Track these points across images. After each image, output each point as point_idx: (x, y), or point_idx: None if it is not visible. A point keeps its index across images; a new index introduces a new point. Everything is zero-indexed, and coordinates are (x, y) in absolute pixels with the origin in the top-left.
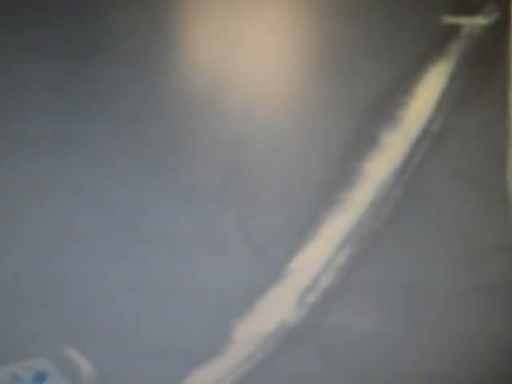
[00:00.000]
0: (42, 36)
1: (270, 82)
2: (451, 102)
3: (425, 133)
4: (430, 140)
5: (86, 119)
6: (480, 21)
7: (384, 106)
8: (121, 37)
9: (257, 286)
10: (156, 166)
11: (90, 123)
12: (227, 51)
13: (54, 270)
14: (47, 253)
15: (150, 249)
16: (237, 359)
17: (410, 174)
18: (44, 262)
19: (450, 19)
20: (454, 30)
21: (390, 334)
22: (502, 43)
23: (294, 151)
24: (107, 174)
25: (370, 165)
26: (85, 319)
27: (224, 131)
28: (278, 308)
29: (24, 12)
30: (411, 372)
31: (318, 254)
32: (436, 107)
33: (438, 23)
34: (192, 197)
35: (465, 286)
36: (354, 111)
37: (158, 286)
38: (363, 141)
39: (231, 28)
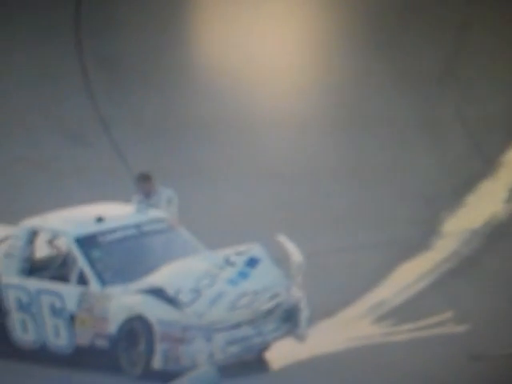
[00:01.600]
0: None
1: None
2: None
3: None
4: None
5: None
6: None
7: None
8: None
9: (469, 177)
10: None
11: None
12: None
13: None
14: None
15: (368, 134)
16: (443, 254)
17: None
18: None
19: None
20: None
21: None
22: None
23: None
24: None
25: None
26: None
27: None
28: (488, 202)
29: None
30: None
31: None
32: None
33: None
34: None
35: None
36: None
37: (371, 172)
38: None
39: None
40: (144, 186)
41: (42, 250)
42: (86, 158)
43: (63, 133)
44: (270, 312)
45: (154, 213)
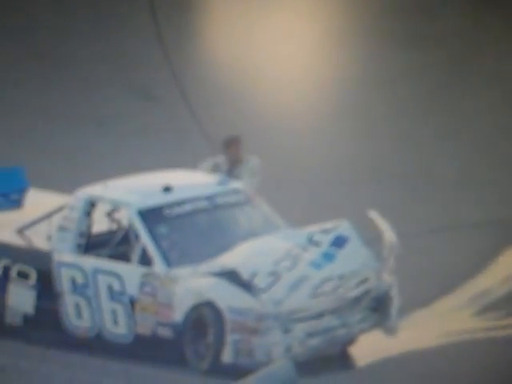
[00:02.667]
0: None
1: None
2: None
3: None
4: None
5: None
6: None
7: None
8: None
9: None
10: None
11: None
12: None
13: None
14: None
15: None
16: None
17: None
18: None
19: None
20: None
21: None
22: None
23: None
24: None
25: None
26: None
27: None
28: None
29: None
30: None
31: None
32: None
33: None
34: None
35: None
36: None
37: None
38: None
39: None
40: (232, 152)
41: (100, 224)
42: (153, 117)
43: (129, 88)
44: (357, 300)
45: (229, 183)
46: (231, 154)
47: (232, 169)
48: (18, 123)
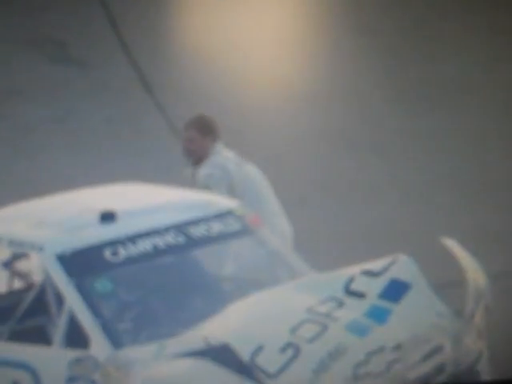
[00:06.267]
0: None
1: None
2: None
3: None
4: None
5: None
6: None
7: None
8: None
9: None
10: None
11: None
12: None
13: None
14: None
15: None
16: None
17: None
18: None
19: None
20: None
21: None
22: None
23: None
24: None
25: None
26: None
27: None
28: None
29: None
30: None
31: None
32: None
33: None
34: None
35: None
36: None
37: None
38: None
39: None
40: (186, 143)
41: None
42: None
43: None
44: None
45: (217, 201)
46: (184, 145)
47: (194, 169)
48: None
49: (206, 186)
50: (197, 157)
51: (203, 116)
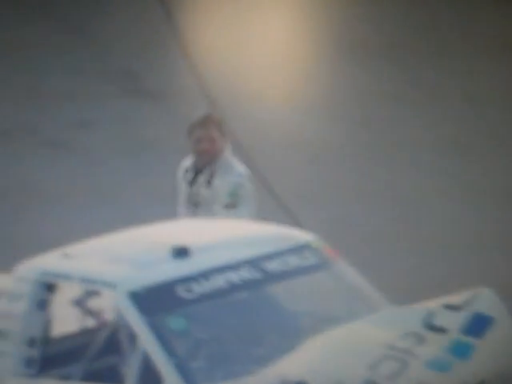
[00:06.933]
0: None
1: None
2: None
3: None
4: None
5: None
6: None
7: None
8: None
9: None
10: None
11: None
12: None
13: None
14: None
15: None
16: None
17: None
18: None
19: None
20: None
21: None
22: None
23: None
24: None
25: None
26: None
27: None
28: None
29: None
30: None
31: None
32: None
33: None
34: None
35: None
36: None
37: None
38: None
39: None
40: (196, 143)
41: (64, 321)
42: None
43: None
44: None
45: (293, 234)
46: (203, 146)
47: (198, 174)
48: None
49: (233, 194)
50: (210, 158)
51: (216, 115)
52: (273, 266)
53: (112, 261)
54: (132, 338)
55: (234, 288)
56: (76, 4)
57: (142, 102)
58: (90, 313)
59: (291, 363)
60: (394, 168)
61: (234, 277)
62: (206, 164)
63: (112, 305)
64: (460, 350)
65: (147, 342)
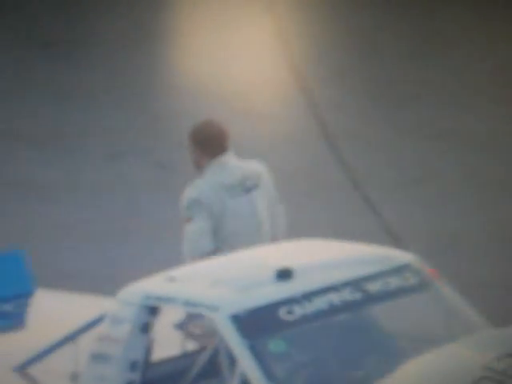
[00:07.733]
0: None
1: None
2: None
3: None
4: None
5: None
6: None
7: None
8: None
9: None
10: None
11: None
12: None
13: None
14: None
15: None
16: None
17: None
18: None
19: None
20: None
21: None
22: None
23: None
24: None
25: None
26: None
27: None
28: None
29: None
30: None
31: None
32: None
33: None
34: None
35: None
36: None
37: None
38: None
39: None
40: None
41: (165, 344)
42: None
43: None
44: None
45: (394, 254)
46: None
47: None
48: None
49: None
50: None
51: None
52: (374, 287)
53: (215, 284)
54: (232, 361)
55: (334, 310)
56: None
57: None
58: (191, 336)
59: None
60: None
61: (336, 298)
62: None
63: (215, 326)
64: None
65: (247, 366)
